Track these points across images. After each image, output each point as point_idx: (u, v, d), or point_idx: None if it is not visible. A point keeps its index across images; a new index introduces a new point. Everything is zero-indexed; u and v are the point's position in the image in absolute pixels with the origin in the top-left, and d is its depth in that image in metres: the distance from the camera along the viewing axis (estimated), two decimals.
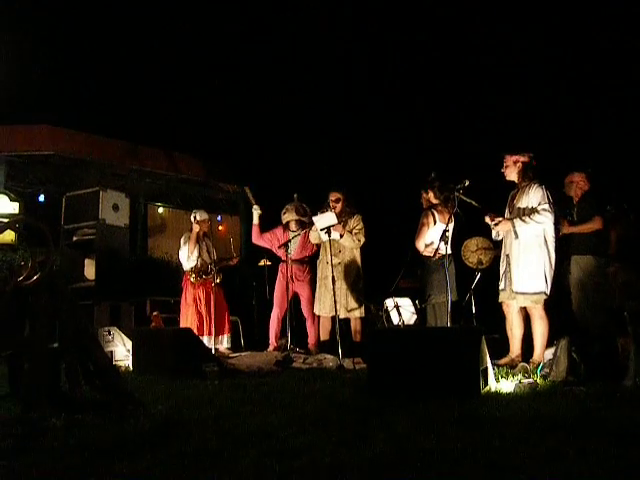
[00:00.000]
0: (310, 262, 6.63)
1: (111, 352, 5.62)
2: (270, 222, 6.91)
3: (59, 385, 3.40)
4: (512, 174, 5.11)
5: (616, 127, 7.22)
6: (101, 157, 9.17)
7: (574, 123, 8.07)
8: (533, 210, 4.85)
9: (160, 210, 10.76)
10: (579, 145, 7.47)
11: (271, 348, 6.48)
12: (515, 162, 5.07)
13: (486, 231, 5.39)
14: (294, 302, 6.65)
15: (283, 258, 6.60)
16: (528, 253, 4.85)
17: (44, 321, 3.36)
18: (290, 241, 6.48)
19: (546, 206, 4.81)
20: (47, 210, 8.39)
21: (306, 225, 6.58)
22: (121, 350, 5.73)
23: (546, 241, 4.86)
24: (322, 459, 2.23)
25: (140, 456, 2.30)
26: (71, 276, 6.76)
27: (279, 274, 6.70)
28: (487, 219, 5.11)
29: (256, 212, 6.82)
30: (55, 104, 9.84)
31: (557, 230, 5.02)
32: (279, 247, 6.54)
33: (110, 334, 5.78)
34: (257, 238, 6.85)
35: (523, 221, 4.85)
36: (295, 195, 6.78)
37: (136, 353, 5.37)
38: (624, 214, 5.49)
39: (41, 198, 9.04)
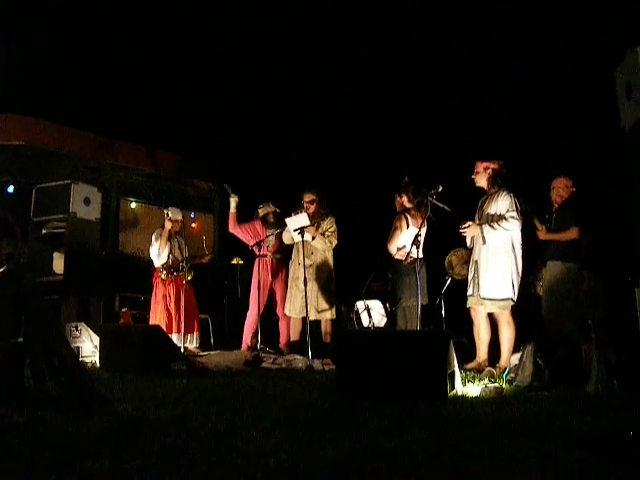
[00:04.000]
0: (286, 260, 6.62)
1: (78, 348, 5.54)
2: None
3: (23, 381, 3.34)
4: (482, 181, 5.18)
5: (593, 136, 7.34)
6: (74, 149, 9.01)
7: (549, 130, 8.20)
8: (501, 217, 4.93)
9: (133, 205, 10.59)
10: (554, 152, 7.58)
11: (244, 347, 6.45)
12: (485, 169, 5.14)
13: (459, 235, 5.43)
14: (268, 301, 6.64)
15: (258, 253, 6.57)
16: (496, 259, 4.93)
17: (9, 315, 3.30)
18: (266, 238, 6.47)
19: (514, 214, 4.89)
20: (16, 202, 8.21)
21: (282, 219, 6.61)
22: (88, 346, 5.65)
23: (514, 248, 4.95)
24: (288, 460, 2.23)
25: (104, 455, 2.28)
26: (39, 270, 6.64)
27: (255, 272, 6.64)
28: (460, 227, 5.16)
29: (234, 200, 6.74)
30: (27, 93, 9.64)
31: (529, 236, 5.08)
32: (252, 245, 6.51)
33: (77, 329, 5.70)
34: (234, 227, 6.74)
35: (491, 227, 4.92)
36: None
37: (103, 350, 5.31)
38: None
39: (10, 189, 8.84)
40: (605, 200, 6.07)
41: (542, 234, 5.25)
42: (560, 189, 5.26)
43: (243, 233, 6.74)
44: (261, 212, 6.73)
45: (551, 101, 8.17)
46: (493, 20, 8.80)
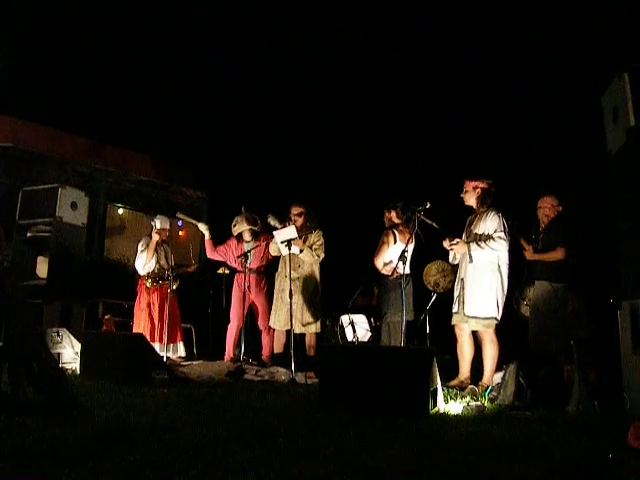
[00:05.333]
0: (267, 273, 6.60)
1: (58, 354, 5.47)
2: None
3: (0, 386, 3.29)
4: (471, 199, 5.22)
5: (579, 158, 7.40)
6: (62, 153, 8.98)
7: (538, 151, 8.29)
8: (489, 236, 4.97)
9: (120, 211, 10.56)
10: (542, 173, 7.66)
11: (227, 358, 6.41)
12: (474, 188, 5.18)
13: (445, 252, 5.46)
14: (250, 313, 6.61)
15: (239, 269, 6.55)
16: (481, 278, 4.95)
17: None
18: (249, 252, 6.45)
19: (501, 234, 4.93)
20: (2, 204, 8.14)
21: (260, 234, 6.57)
22: (69, 352, 5.58)
23: (499, 267, 4.98)
24: (269, 474, 2.21)
25: (80, 464, 2.24)
26: (22, 273, 6.56)
27: (235, 286, 6.64)
28: (445, 244, 5.18)
29: (203, 227, 6.73)
30: (17, 94, 9.59)
31: (515, 255, 5.10)
32: (237, 257, 6.49)
33: (59, 335, 5.63)
34: (212, 252, 6.76)
35: (479, 246, 4.95)
36: (243, 207, 6.70)
37: (85, 356, 5.24)
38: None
39: None
40: (590, 222, 6.12)
41: (529, 254, 5.21)
42: (547, 208, 5.22)
43: (221, 255, 6.74)
44: (235, 231, 6.65)
45: (541, 123, 8.27)
46: (484, 40, 8.92)
